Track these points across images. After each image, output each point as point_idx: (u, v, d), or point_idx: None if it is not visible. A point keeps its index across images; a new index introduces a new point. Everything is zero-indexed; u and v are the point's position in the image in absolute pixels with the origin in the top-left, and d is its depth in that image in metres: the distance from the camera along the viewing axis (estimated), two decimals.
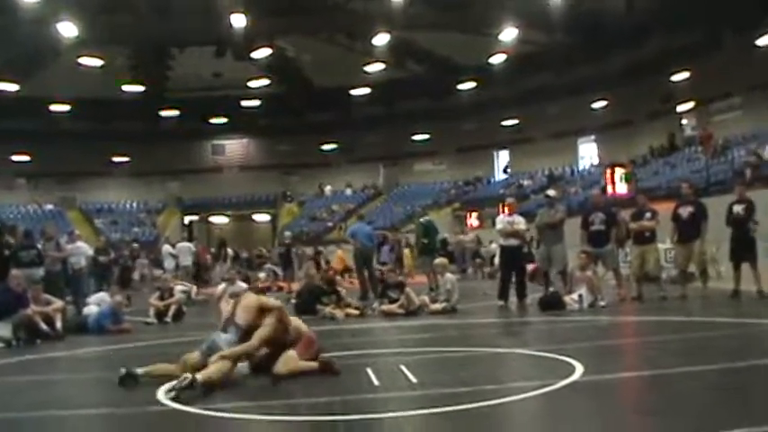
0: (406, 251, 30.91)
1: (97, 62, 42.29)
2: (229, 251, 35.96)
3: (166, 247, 29.02)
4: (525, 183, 49.01)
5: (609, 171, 37.25)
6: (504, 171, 54.50)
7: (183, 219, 56.78)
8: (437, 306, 14.90)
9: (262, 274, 27.41)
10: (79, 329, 13.81)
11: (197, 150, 58.76)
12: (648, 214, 15.27)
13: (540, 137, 50.45)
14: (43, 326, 12.71)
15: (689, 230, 14.72)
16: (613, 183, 36.05)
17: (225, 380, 7.53)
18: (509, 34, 39.50)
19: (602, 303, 14.24)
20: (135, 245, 36.32)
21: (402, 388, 7.28)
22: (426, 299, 15.43)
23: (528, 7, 36.63)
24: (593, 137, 49.93)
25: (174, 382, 7.12)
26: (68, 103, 48.54)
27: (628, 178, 36.25)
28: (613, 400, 6.74)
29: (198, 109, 52.25)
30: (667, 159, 40.34)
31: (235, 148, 59.76)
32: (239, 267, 27.93)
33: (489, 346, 10.31)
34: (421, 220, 22.51)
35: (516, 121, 51.12)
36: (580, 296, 14.15)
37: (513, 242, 15.84)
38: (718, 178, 29.73)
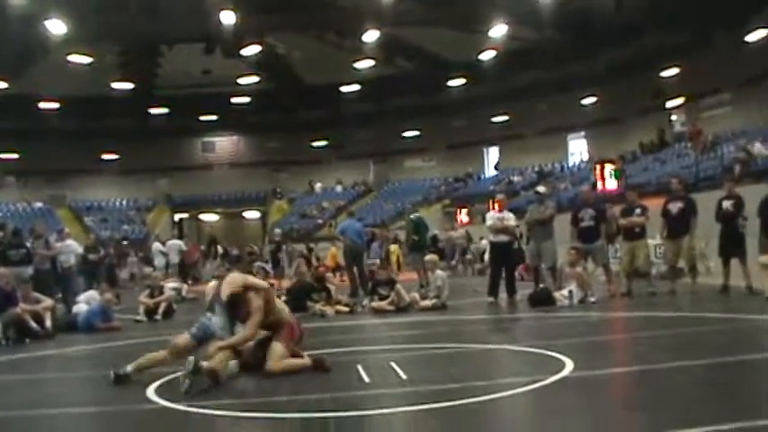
0: (394, 247, 30.91)
1: (86, 60, 42.11)
2: (219, 249, 35.96)
3: (156, 245, 29.02)
4: (515, 179, 49.02)
5: (598, 167, 37.35)
6: (496, 168, 54.49)
7: (173, 216, 56.60)
8: (427, 303, 14.93)
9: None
10: (69, 328, 13.81)
11: (187, 148, 58.59)
12: (638, 210, 15.28)
13: (530, 133, 50.44)
14: (33, 324, 12.70)
15: (678, 226, 14.75)
16: (603, 179, 36.15)
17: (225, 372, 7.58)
18: (499, 31, 39.48)
19: (592, 299, 14.28)
20: (125, 242, 36.29)
21: (392, 385, 7.29)
22: (416, 295, 15.46)
23: (518, 4, 36.61)
24: (582, 133, 49.98)
25: (180, 374, 7.15)
26: (57, 101, 48.33)
27: (617, 174, 36.34)
28: (603, 395, 6.76)
29: (187, 106, 52.05)
30: (657, 155, 40.41)
31: (225, 145, 59.61)
32: (228, 264, 27.92)
33: (479, 342, 10.33)
34: (411, 216, 22.53)
35: (506, 118, 51.05)
36: (570, 292, 14.19)
37: (504, 238, 15.87)
38: (708, 174, 29.82)
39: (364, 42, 42.06)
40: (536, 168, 49.47)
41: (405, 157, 57.81)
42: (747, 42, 35.75)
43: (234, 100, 52.94)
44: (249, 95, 52.59)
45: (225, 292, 8.02)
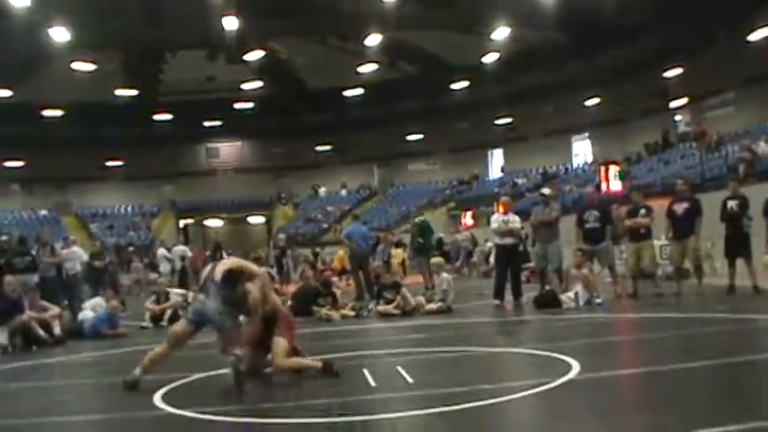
0: (398, 251, 30.72)
1: (90, 67, 42.26)
2: (224, 254, 35.91)
3: (162, 251, 28.99)
4: (520, 181, 49.06)
5: (603, 168, 37.31)
6: (502, 171, 54.49)
7: (177, 222, 56.69)
8: (432, 306, 14.90)
9: None
10: (75, 335, 13.81)
11: (191, 153, 58.69)
12: (643, 211, 15.25)
13: (534, 135, 50.47)
14: (40, 332, 12.70)
15: (684, 227, 14.68)
16: (608, 180, 36.12)
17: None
18: (501, 33, 39.54)
19: (598, 301, 14.24)
20: (130, 248, 36.31)
21: (399, 388, 7.29)
22: (422, 299, 15.44)
23: (520, 6, 36.64)
24: (586, 134, 50.01)
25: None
26: (62, 108, 48.47)
27: (622, 175, 36.31)
28: (610, 397, 6.73)
29: (191, 112, 52.13)
30: (661, 156, 40.39)
31: (229, 150, 59.69)
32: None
33: (485, 345, 10.32)
34: (416, 219, 22.50)
35: (510, 120, 51.12)
36: (576, 294, 14.15)
37: (509, 241, 15.82)
38: (713, 174, 29.78)
39: (367, 46, 42.14)
40: (540, 170, 49.49)
41: (409, 160, 57.84)
42: (750, 42, 35.74)
43: (237, 105, 53.04)
44: (253, 101, 52.70)
45: (219, 272, 7.86)
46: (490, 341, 11.02)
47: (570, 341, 9.89)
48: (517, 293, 15.63)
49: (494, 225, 16.11)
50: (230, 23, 37.06)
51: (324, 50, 44.83)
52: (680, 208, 14.79)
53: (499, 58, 43.23)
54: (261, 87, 50.56)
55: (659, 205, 15.96)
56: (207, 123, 55.82)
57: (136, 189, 56.33)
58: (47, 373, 10.31)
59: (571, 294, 14.20)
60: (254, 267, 8.30)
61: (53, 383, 9.47)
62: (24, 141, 49.20)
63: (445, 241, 32.25)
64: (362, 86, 49.89)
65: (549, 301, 14.16)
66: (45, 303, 13.66)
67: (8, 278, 13.30)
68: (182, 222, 57.01)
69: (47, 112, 48.71)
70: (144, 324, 15.49)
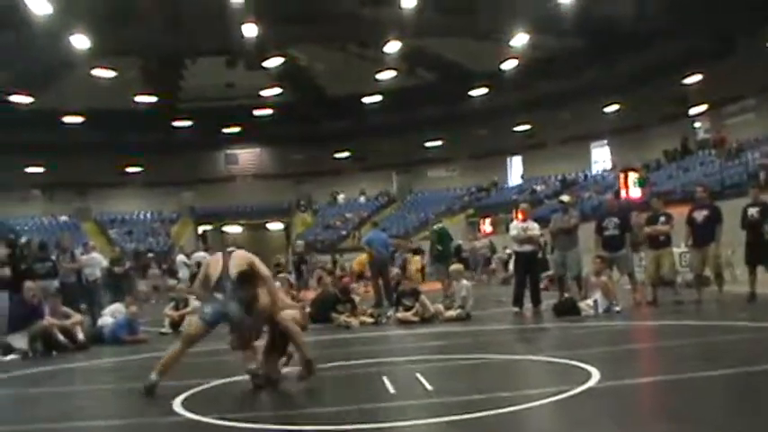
0: (415, 258, 30.60)
1: (110, 74, 42.43)
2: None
3: (181, 257, 29.11)
4: (539, 188, 48.96)
5: (622, 175, 37.17)
6: (521, 178, 54.38)
7: (196, 228, 56.82)
8: (451, 313, 14.87)
9: (277, 284, 27.35)
10: (95, 340, 13.88)
11: (210, 160, 58.88)
12: (663, 218, 15.20)
13: (553, 142, 50.33)
14: (60, 337, 12.77)
15: (704, 234, 14.63)
16: (627, 187, 35.98)
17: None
18: (520, 40, 39.46)
19: (617, 308, 14.19)
20: (149, 255, 36.43)
21: (418, 396, 7.29)
22: (441, 306, 15.42)
23: (539, 12, 36.55)
24: (605, 141, 49.81)
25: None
26: (82, 115, 48.68)
27: (641, 182, 36.17)
28: (630, 406, 6.70)
29: (211, 119, 52.29)
30: (681, 163, 40.22)
31: (248, 157, 59.83)
32: None
33: (504, 352, 10.30)
34: (435, 227, 22.49)
35: (529, 127, 50.96)
36: (595, 302, 14.11)
37: (528, 248, 15.79)
38: (733, 181, 29.62)
39: (386, 53, 42.12)
40: (559, 177, 49.34)
41: (428, 167, 57.80)
42: None
43: (257, 112, 53.09)
44: (272, 107, 52.75)
45: (235, 267, 7.96)
46: (509, 348, 11.00)
47: (589, 349, 9.87)
48: (536, 301, 15.59)
49: (513, 232, 16.09)
50: (250, 30, 37.16)
51: (343, 57, 44.86)
52: (700, 215, 14.73)
53: (518, 65, 43.13)
54: (280, 94, 50.61)
55: (679, 213, 15.90)
56: (226, 130, 55.93)
57: (155, 195, 56.58)
58: (67, 379, 10.37)
59: (590, 302, 14.16)
60: (263, 267, 8.28)
61: (73, 389, 9.53)
62: (45, 148, 49.50)
63: (464, 248, 32.22)
64: (381, 93, 49.86)
65: (568, 309, 14.13)
66: (67, 310, 13.75)
67: (28, 284, 13.37)
68: (200, 228, 57.15)
69: (67, 119, 48.94)
70: (163, 330, 15.55)
